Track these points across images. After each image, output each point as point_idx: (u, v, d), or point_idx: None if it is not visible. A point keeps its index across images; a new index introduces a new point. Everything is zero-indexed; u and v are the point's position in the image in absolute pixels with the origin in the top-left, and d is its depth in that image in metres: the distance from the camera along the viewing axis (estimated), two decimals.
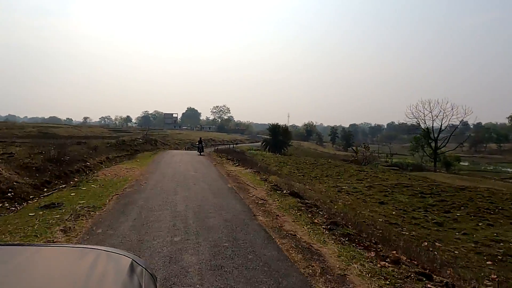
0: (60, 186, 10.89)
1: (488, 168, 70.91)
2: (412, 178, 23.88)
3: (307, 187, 15.67)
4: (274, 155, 41.94)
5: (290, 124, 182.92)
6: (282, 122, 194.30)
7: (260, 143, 75.25)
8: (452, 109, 52.05)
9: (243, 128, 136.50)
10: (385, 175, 25.32)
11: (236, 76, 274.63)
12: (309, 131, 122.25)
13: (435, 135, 55.81)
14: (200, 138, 26.05)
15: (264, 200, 8.93)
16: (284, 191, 10.20)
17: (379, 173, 26.69)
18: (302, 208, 8.08)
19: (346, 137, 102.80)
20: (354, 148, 51.99)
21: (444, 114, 52.48)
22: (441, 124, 53.61)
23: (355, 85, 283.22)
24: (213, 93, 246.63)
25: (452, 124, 55.91)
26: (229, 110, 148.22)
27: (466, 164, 71.71)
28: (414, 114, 55.44)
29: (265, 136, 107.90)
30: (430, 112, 54.04)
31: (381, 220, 10.76)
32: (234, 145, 56.27)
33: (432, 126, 56.01)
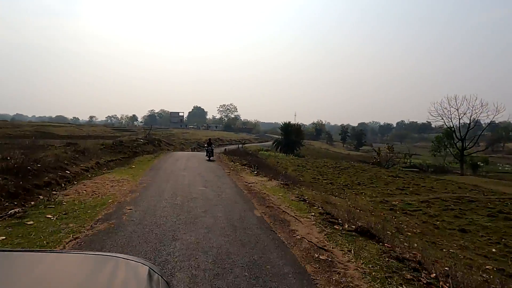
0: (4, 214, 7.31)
1: (506, 168, 66.14)
2: (462, 187, 19.92)
3: (349, 202, 11.95)
4: (287, 156, 38.26)
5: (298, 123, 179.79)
6: (288, 121, 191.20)
7: (270, 142, 71.61)
8: (481, 106, 47.55)
9: (250, 127, 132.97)
10: (427, 182, 21.40)
11: (241, 75, 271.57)
12: (319, 130, 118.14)
13: (460, 134, 51.24)
14: (209, 139, 22.44)
15: (325, 249, 5.23)
16: (346, 225, 6.50)
17: (418, 179, 22.76)
18: (406, 273, 4.35)
19: (357, 136, 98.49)
20: (375, 149, 47.86)
21: (473, 111, 47.98)
22: (470, 122, 49.07)
23: (362, 84, 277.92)
24: (219, 91, 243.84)
25: (465, 122, 50.31)
26: (236, 109, 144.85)
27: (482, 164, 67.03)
28: (439, 112, 50.96)
29: (275, 136, 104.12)
30: (457, 109, 49.58)
31: (490, 268, 6.99)
32: (243, 145, 52.73)
33: (459, 125, 51.44)
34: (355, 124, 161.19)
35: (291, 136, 45.59)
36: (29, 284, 0.96)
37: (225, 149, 42.51)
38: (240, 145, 49.79)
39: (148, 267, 1.13)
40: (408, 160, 57.56)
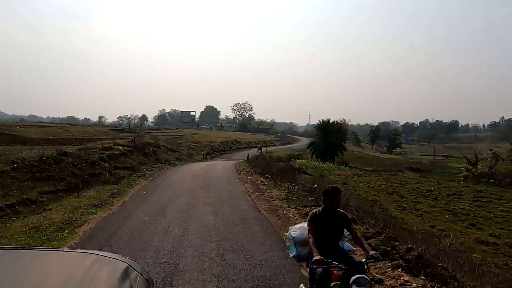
0: None
1: None
2: None
3: None
4: (329, 164, 28.13)
5: (311, 124, 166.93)
6: (301, 121, 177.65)
7: (294, 145, 61.58)
8: None
9: (267, 127, 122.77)
10: None
11: (253, 73, 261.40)
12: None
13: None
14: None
15: None
16: None
17: None
18: None
19: (390, 137, 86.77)
20: (471, 156, 36.49)
21: None
22: None
23: (376, 82, 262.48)
24: (231, 90, 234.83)
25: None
26: (252, 107, 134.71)
27: None
28: None
29: (296, 137, 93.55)
30: None
31: None
32: (265, 149, 42.76)
33: None
34: (374, 124, 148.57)
35: (331, 137, 35.16)
36: (7, 282, 0.94)
37: (248, 155, 32.68)
38: (263, 149, 39.77)
39: (127, 264, 1.11)
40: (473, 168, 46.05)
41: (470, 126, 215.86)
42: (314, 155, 35.79)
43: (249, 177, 13.26)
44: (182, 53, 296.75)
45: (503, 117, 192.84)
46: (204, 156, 30.76)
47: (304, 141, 79.64)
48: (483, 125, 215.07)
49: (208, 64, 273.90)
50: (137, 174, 13.47)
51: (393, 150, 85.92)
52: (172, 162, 20.99)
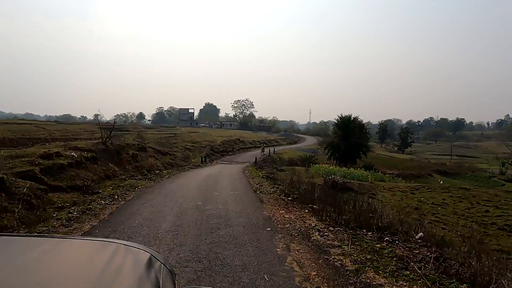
0: None
1: None
2: None
3: None
4: (372, 174, 22.65)
5: (312, 122, 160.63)
6: (302, 119, 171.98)
7: (301, 144, 56.02)
8: None
9: (269, 125, 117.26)
10: None
11: (253, 70, 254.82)
12: None
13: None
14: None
15: None
16: None
17: None
18: None
19: (402, 135, 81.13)
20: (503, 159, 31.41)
21: None
22: None
23: (376, 80, 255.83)
24: (231, 87, 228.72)
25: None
26: (253, 104, 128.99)
27: None
28: None
29: (301, 135, 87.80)
30: None
31: None
32: (273, 149, 37.29)
33: None
34: (375, 122, 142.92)
35: (352, 137, 29.63)
36: (28, 268, 0.95)
37: (256, 158, 27.21)
38: (266, 150, 34.31)
39: (150, 254, 1.10)
40: (507, 169, 40.71)
41: (474, 124, 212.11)
42: (332, 157, 30.32)
43: (283, 212, 7.62)
44: (182, 51, 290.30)
45: (508, 115, 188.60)
46: (203, 159, 25.26)
47: (310, 140, 74.26)
48: (487, 123, 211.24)
49: (208, 62, 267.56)
50: (86, 200, 7.91)
51: (404, 150, 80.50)
52: (158, 172, 15.33)
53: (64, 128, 38.00)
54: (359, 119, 30.84)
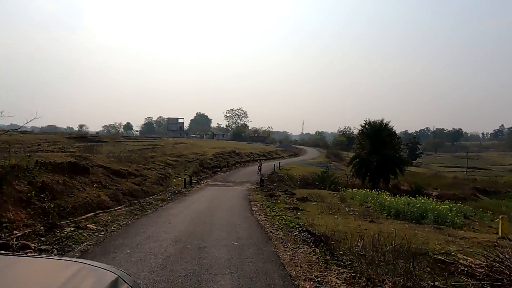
0: None
1: None
2: None
3: None
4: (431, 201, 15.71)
5: (305, 133, 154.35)
6: (294, 130, 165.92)
7: (304, 157, 48.13)
8: None
9: (263, 136, 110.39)
10: None
11: (246, 83, 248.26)
12: (351, 139, 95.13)
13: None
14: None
15: None
16: None
17: None
18: None
19: (410, 146, 74.60)
20: None
21: None
22: None
23: (365, 92, 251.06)
24: (224, 100, 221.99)
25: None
26: (246, 114, 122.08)
27: None
28: None
29: (300, 146, 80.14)
30: None
31: None
32: (278, 164, 30.11)
33: None
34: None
35: (384, 148, 22.62)
36: None
37: (261, 177, 19.85)
38: (259, 169, 27.08)
39: (117, 276, 1.02)
40: None
41: (469, 134, 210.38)
42: (358, 175, 23.25)
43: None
44: (173, 61, 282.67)
45: (502, 125, 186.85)
46: (187, 181, 17.90)
47: (312, 152, 67.18)
48: (482, 133, 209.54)
49: (200, 73, 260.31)
50: None
51: (413, 161, 74.21)
52: (87, 222, 7.81)
53: (15, 139, 30.13)
54: (389, 125, 23.89)
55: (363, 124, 23.85)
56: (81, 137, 40.19)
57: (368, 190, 18.04)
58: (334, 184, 22.36)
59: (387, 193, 17.22)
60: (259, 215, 10.03)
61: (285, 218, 9.09)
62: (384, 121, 23.35)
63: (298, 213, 10.35)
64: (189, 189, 17.21)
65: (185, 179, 18.20)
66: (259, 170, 23.98)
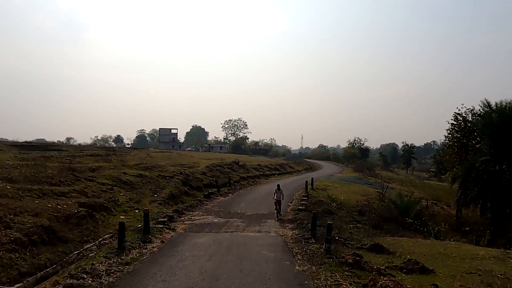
0: None
1: None
2: None
3: None
4: None
5: (305, 147, 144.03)
6: (294, 145, 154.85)
7: (320, 171, 37.16)
8: None
9: (265, 148, 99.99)
10: None
11: (244, 98, 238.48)
12: (363, 150, 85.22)
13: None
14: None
15: None
16: None
17: None
18: None
19: (437, 158, 64.78)
20: None
21: None
22: None
23: (359, 106, 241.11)
24: (221, 114, 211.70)
25: None
26: (246, 125, 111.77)
27: None
28: None
29: (308, 159, 69.84)
30: None
31: None
32: (311, 182, 19.71)
33: None
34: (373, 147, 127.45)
35: None
36: None
37: (313, 217, 9.30)
38: (278, 189, 16.56)
39: None
40: None
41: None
42: (464, 198, 12.91)
43: None
44: (169, 78, 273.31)
45: None
46: (150, 222, 7.37)
47: (328, 166, 56.43)
48: None
49: (197, 86, 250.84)
50: None
51: (442, 176, 64.12)
52: None
53: None
54: None
55: (481, 110, 13.10)
56: (29, 145, 29.76)
57: None
58: (422, 217, 11.95)
59: None
60: None
61: None
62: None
63: None
64: (144, 247, 6.75)
65: (146, 214, 7.63)
66: (278, 190, 11.81)
